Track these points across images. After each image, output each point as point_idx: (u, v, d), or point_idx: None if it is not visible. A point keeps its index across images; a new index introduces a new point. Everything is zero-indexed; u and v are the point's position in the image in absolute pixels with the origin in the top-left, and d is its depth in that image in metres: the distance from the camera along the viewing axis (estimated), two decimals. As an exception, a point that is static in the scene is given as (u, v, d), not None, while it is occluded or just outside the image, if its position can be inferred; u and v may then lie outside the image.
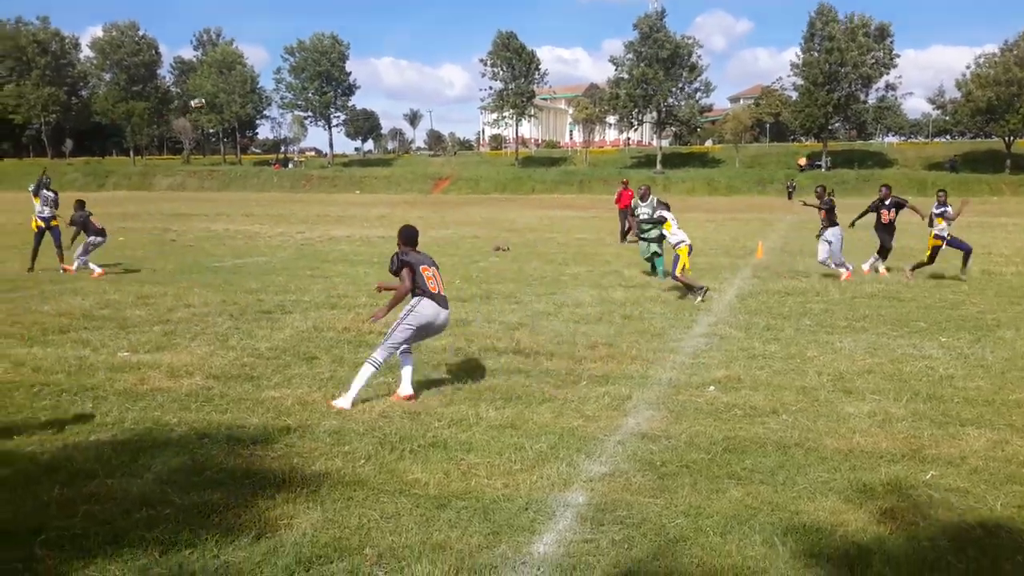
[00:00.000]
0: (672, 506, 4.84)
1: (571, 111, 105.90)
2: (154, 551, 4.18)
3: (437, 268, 7.28)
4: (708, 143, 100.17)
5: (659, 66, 79.47)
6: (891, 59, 76.85)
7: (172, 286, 13.82)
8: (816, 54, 76.18)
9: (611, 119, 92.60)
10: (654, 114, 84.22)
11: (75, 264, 15.63)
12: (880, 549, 4.30)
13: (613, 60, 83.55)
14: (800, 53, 78.38)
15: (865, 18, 75.45)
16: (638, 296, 12.94)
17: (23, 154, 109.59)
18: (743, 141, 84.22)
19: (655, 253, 15.30)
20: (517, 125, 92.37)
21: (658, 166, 78.57)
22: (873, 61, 75.66)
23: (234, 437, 6.05)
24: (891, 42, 76.72)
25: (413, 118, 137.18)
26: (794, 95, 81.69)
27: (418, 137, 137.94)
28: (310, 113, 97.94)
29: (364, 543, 4.34)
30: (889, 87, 78.81)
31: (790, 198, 55.49)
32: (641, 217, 15.78)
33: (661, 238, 14.52)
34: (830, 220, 15.21)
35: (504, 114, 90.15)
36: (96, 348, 8.99)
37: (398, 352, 7.12)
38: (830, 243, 15.09)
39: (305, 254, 19.95)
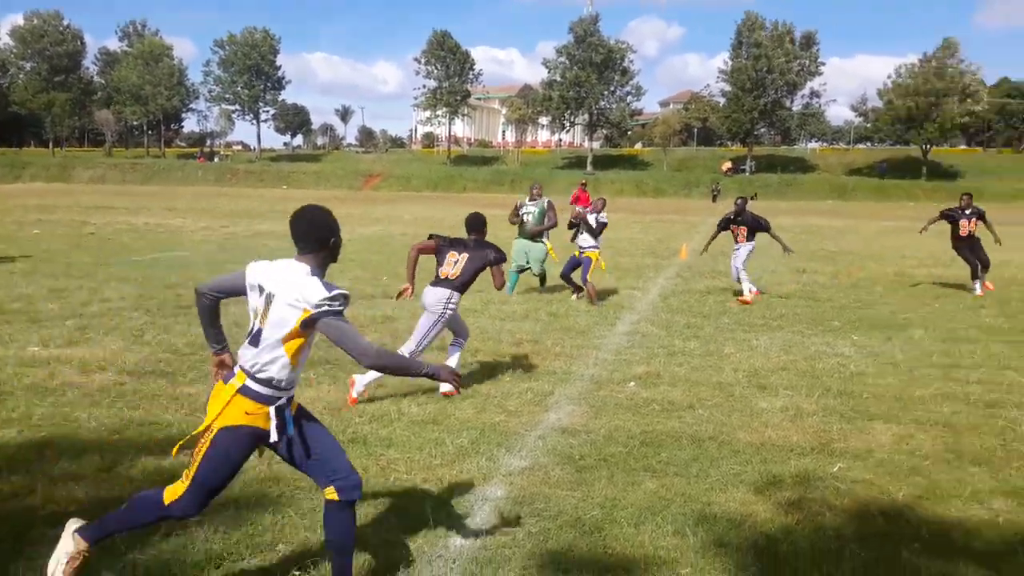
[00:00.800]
0: (589, 498, 4.90)
1: (504, 111, 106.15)
2: (57, 548, 4.06)
3: (469, 252, 7.35)
4: (638, 146, 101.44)
5: (592, 69, 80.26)
6: (816, 67, 79.09)
7: (87, 280, 13.40)
8: (744, 60, 77.86)
9: (543, 120, 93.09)
10: (586, 116, 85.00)
11: None
12: (787, 539, 4.43)
13: (546, 63, 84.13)
14: (728, 59, 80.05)
15: (789, 26, 77.50)
16: (565, 294, 13.04)
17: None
18: (671, 145, 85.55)
19: (524, 268, 13.14)
20: (450, 124, 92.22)
21: (588, 167, 79.30)
22: (799, 68, 77.73)
23: (147, 434, 5.91)
24: (817, 50, 79.03)
25: (344, 114, 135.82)
26: (722, 101, 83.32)
27: (349, 134, 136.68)
28: (238, 107, 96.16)
29: (277, 540, 4.28)
30: (814, 94, 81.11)
31: (714, 201, 56.59)
32: (527, 220, 13.04)
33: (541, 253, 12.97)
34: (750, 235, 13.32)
35: (437, 112, 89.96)
36: (5, 342, 8.66)
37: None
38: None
39: (228, 248, 19.56)
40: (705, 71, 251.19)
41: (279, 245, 20.74)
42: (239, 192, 61.11)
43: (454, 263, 7.32)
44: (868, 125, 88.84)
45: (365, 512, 4.62)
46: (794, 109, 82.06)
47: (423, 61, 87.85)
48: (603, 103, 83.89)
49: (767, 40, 76.29)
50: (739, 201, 13.54)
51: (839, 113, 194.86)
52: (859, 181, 70.05)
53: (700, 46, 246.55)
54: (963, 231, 13.95)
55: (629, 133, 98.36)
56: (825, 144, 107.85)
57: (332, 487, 3.53)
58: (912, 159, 76.96)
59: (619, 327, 10.53)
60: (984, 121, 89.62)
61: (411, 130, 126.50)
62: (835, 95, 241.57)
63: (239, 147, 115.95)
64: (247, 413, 3.44)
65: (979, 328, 10.80)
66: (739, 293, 12.98)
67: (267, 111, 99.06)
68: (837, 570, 4.10)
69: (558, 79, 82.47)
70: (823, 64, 79.58)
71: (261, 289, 3.49)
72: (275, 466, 5.30)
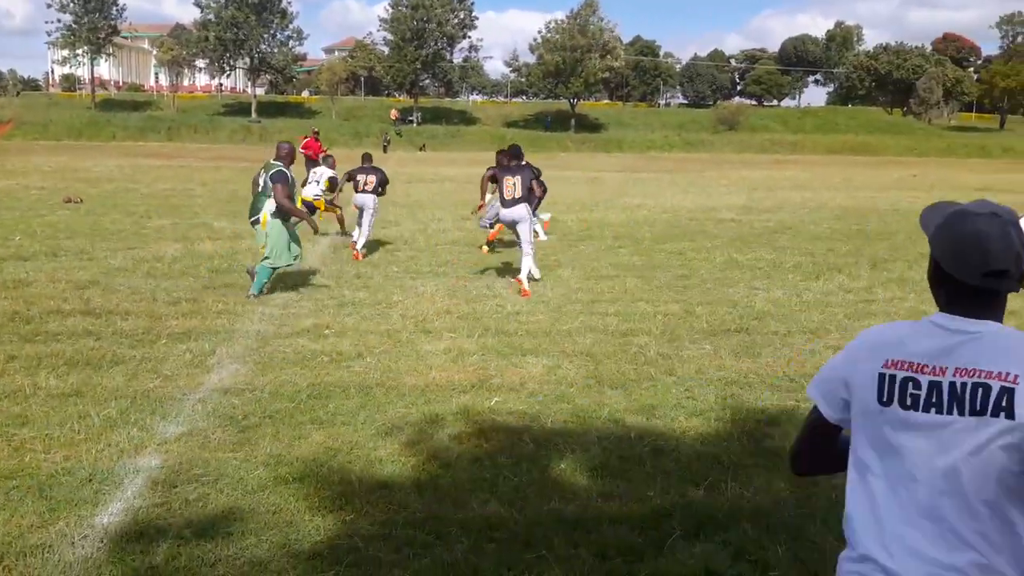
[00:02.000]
0: (252, 458, 4.78)
1: (155, 52, 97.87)
2: None
3: (521, 174, 10.03)
4: (304, 94, 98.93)
5: (249, 10, 76.45)
6: (471, 20, 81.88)
7: None
8: (404, 10, 78.58)
9: (201, 63, 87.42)
10: (247, 60, 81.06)
11: None
12: (447, 473, 4.66)
13: (197, 3, 78.71)
14: (389, 8, 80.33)
15: (446, -23, 79.38)
16: (228, 248, 12.47)
17: None
18: (339, 93, 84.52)
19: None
20: (92, 64, 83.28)
21: (253, 114, 75.99)
22: (456, 20, 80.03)
23: None
24: (471, 3, 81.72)
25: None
26: (386, 50, 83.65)
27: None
28: None
29: None
30: (472, 48, 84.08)
31: (385, 151, 57.08)
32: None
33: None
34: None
35: (77, 52, 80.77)
36: None
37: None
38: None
39: None
40: (366, 18, 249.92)
41: None
42: None
43: (513, 185, 9.87)
44: (522, 80, 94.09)
45: (-7, 501, 4.13)
46: (455, 62, 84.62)
47: (55, -7, 78.18)
48: (264, 47, 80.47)
49: (425, -10, 77.59)
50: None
51: (497, 68, 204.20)
52: (517, 133, 74.08)
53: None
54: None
55: (295, 80, 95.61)
56: (485, 97, 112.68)
57: None
58: (563, 112, 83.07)
59: (287, 280, 10.29)
60: (623, 76, 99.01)
61: (47, 72, 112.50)
62: (491, 50, 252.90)
63: None
64: None
65: (616, 266, 12.01)
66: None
67: None
68: (492, 496, 4.39)
69: (212, 19, 77.63)
70: (477, 18, 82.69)
71: None
72: None
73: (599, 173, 37.34)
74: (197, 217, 16.41)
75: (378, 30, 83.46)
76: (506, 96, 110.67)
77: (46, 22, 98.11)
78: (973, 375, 1.71)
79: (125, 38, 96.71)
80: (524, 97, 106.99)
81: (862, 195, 26.65)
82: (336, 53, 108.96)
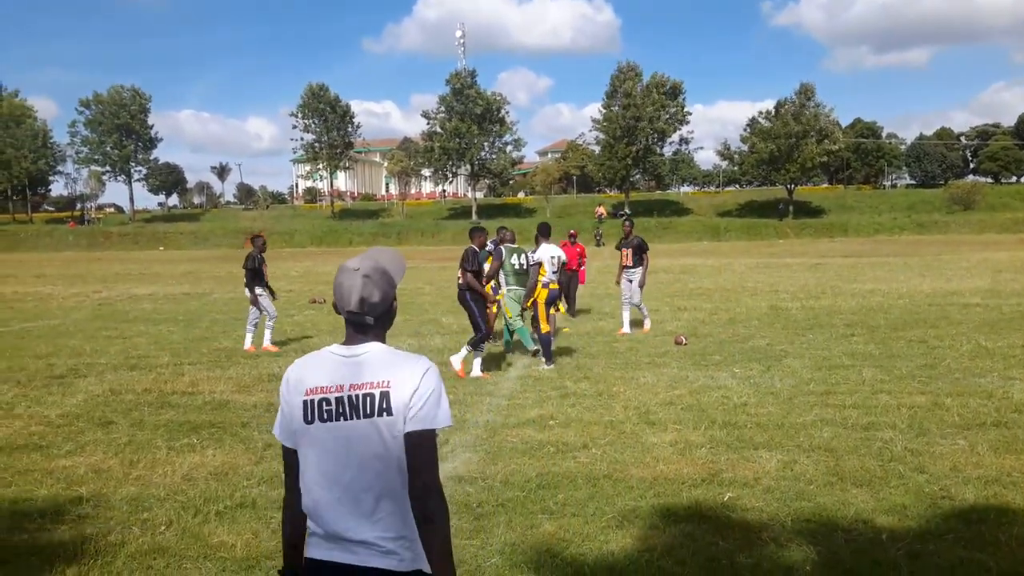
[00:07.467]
0: (488, 546, 4.86)
1: (386, 164, 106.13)
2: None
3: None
4: (520, 194, 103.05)
5: (472, 121, 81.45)
6: (683, 115, 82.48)
7: (-54, 354, 12.56)
8: (616, 109, 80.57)
9: (426, 172, 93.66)
10: (467, 167, 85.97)
11: None
12: (682, 571, 4.50)
13: (425, 114, 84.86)
14: (601, 109, 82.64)
15: (660, 77, 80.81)
16: (456, 343, 13.02)
17: None
18: (552, 192, 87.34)
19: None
20: (332, 177, 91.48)
21: (474, 216, 79.99)
22: (667, 116, 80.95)
23: (20, 511, 5.56)
24: (683, 99, 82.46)
25: (221, 171, 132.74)
26: (596, 149, 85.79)
27: (227, 191, 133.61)
28: (108, 168, 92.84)
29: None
30: (683, 140, 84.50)
31: (598, 245, 57.95)
32: (517, 266, 11.71)
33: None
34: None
35: (319, 166, 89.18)
36: None
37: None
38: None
39: (102, 314, 18.70)
40: (576, 120, 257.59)
41: (156, 308, 20.00)
42: (113, 256, 58.73)
43: None
44: (735, 168, 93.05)
45: (257, 578, 4.45)
46: (665, 155, 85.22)
47: (299, 115, 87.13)
48: (484, 154, 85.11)
49: (639, 91, 79.24)
50: (627, 224, 14.42)
51: (707, 158, 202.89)
52: (730, 222, 73.04)
53: (569, 97, 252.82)
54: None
55: (511, 182, 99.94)
56: (697, 188, 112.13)
57: None
58: (778, 198, 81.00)
59: (511, 372, 10.59)
60: (842, 159, 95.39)
61: (292, 185, 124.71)
62: (701, 141, 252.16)
63: (111, 209, 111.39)
64: None
65: (851, 355, 11.34)
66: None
67: (139, 171, 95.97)
68: (733, 597, 4.18)
69: (439, 130, 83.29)
70: (690, 113, 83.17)
71: None
72: (159, 537, 5.06)
73: (822, 259, 35.79)
74: (426, 314, 17.34)
75: (590, 130, 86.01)
76: (718, 186, 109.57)
77: (291, 139, 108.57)
78: (361, 388, 2.28)
79: (359, 152, 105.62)
80: (737, 186, 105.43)
81: None
82: (549, 155, 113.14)
